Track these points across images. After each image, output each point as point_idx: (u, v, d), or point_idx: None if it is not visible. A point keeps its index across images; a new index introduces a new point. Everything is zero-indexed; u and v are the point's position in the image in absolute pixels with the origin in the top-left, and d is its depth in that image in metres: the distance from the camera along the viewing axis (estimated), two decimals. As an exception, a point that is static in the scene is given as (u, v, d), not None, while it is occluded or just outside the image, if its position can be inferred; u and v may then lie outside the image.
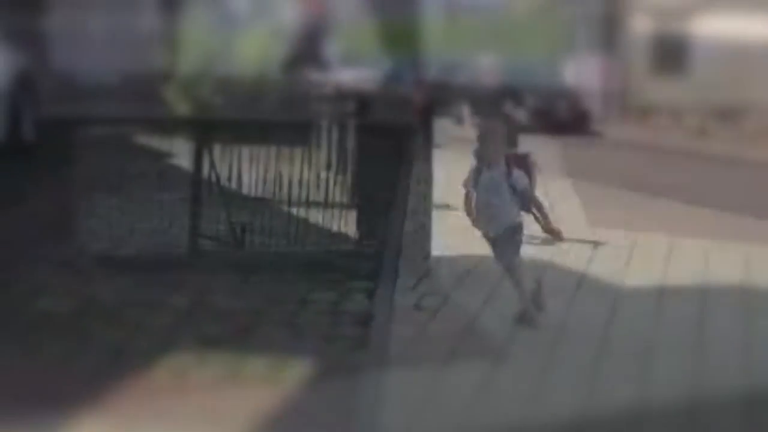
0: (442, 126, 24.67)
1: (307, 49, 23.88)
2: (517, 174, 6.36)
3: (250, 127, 9.42)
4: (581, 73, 26.96)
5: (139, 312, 6.14)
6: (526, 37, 30.47)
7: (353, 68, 28.45)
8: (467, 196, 6.45)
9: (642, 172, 15.25)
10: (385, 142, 8.20)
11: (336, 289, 7.10)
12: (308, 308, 6.67)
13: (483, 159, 6.29)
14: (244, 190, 8.26)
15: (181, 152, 8.81)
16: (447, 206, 9.23)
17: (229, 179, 8.20)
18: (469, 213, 6.49)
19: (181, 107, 15.05)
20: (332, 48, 32.93)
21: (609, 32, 27.30)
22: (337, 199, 8.23)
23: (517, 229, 6.51)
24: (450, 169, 12.65)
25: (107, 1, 19.80)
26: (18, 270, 6.61)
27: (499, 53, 29.05)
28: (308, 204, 8.28)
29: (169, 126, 11.07)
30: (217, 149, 8.43)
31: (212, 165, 8.36)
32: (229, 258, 7.47)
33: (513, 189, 6.28)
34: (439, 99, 30.29)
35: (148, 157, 9.19)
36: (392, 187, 7.81)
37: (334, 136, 9.10)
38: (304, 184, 8.34)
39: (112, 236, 7.51)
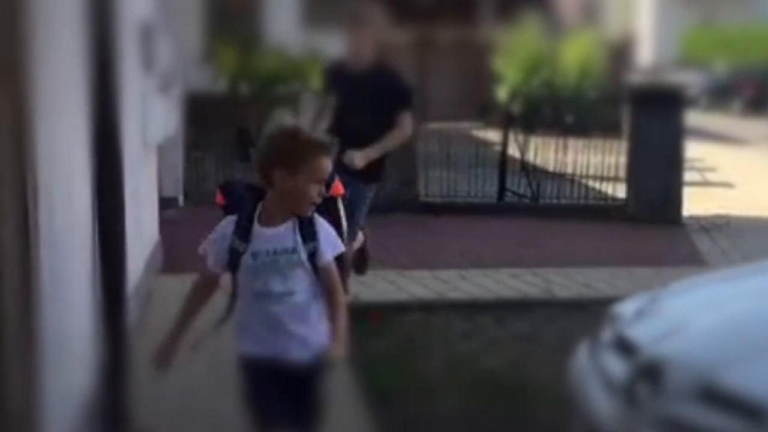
0: (760, 125, 25.74)
1: (624, 55, 25.89)
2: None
3: (555, 121, 12.39)
4: None
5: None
6: None
7: (683, 72, 29.77)
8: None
9: None
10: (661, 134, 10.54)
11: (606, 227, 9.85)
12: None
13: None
14: (541, 164, 11.18)
15: (496, 139, 11.87)
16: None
17: (531, 157, 11.20)
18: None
19: (510, 104, 17.93)
20: (664, 52, 34.24)
21: None
22: (612, 173, 10.89)
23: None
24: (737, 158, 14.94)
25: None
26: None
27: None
28: (587, 176, 10.88)
29: (493, 119, 14.39)
30: (528, 137, 11.40)
31: (519, 147, 11.32)
32: (527, 207, 10.44)
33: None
34: (761, 99, 31.17)
35: (475, 142, 12.23)
36: (655, 165, 10.31)
37: (624, 127, 11.64)
38: (586, 160, 11.02)
39: (450, 191, 10.62)
